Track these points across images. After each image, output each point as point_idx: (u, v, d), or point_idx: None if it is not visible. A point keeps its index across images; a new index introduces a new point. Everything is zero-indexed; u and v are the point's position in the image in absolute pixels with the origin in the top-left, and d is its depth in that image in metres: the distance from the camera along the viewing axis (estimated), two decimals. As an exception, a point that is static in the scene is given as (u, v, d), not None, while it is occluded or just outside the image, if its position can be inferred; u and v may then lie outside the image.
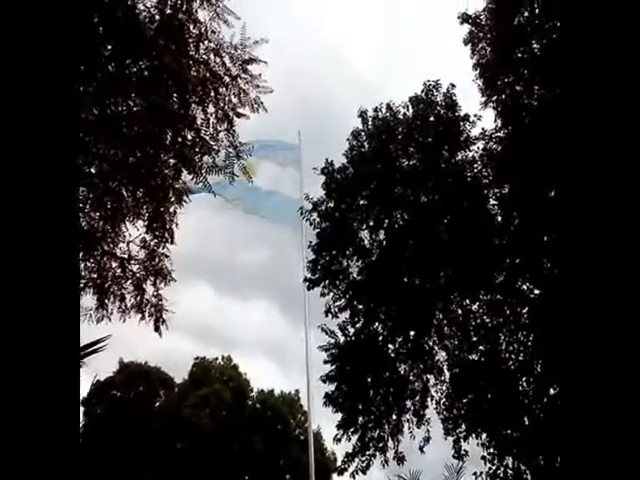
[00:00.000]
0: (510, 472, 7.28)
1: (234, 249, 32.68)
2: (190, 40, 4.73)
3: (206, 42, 4.84)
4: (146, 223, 7.32)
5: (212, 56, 4.93)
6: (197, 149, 5.28)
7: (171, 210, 7.13)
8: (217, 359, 24.73)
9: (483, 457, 7.56)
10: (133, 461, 20.91)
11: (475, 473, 7.47)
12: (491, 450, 7.60)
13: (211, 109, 5.07)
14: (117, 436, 22.01)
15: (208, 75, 4.92)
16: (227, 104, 5.12)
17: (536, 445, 7.17)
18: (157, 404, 25.01)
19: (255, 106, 5.27)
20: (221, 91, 5.04)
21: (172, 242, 7.35)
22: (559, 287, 8.92)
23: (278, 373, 35.01)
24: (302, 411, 22.67)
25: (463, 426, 8.61)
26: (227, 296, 41.07)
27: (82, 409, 24.06)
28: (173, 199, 6.89)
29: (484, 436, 7.82)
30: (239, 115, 5.25)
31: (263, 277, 30.94)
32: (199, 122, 5.10)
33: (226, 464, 20.85)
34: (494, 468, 7.44)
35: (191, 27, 4.66)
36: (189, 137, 5.20)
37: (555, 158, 9.13)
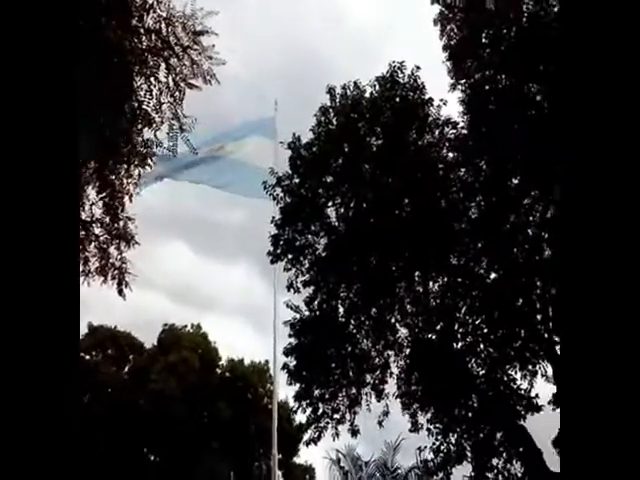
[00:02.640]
0: (452, 448, 7.65)
1: (211, 209, 32.41)
2: (136, 9, 4.63)
3: (157, 11, 4.75)
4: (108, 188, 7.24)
5: (163, 25, 4.85)
6: (139, 122, 5.22)
7: (135, 173, 7.05)
8: (186, 326, 24.91)
9: (428, 430, 7.90)
10: (100, 428, 21.12)
11: (419, 447, 7.81)
12: (438, 425, 7.95)
13: (162, 79, 4.99)
14: (83, 402, 22.18)
15: (159, 44, 4.85)
16: (178, 74, 5.05)
17: (479, 423, 7.52)
18: (126, 369, 25.19)
19: (207, 78, 5.24)
20: (172, 62, 4.97)
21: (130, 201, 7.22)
22: (514, 272, 9.28)
23: (253, 338, 35.46)
24: (271, 381, 23.10)
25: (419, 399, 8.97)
26: (205, 257, 41.01)
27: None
28: (136, 162, 6.79)
29: (432, 412, 8.14)
30: (191, 86, 5.21)
31: (243, 238, 30.78)
32: (142, 94, 5.02)
33: (194, 431, 21.24)
34: (438, 443, 7.81)
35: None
36: (127, 109, 5.12)
37: (516, 145, 9.42)
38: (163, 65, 4.99)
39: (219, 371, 24.26)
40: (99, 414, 21.49)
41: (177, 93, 5.12)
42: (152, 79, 4.99)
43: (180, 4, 4.88)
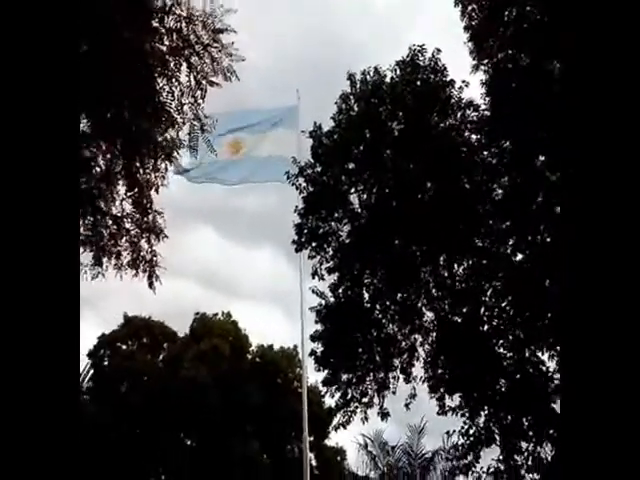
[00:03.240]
0: (481, 431, 7.70)
1: (237, 195, 32.66)
2: (157, 10, 4.74)
3: (178, 11, 4.86)
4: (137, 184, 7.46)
5: (184, 24, 4.96)
6: (162, 122, 5.36)
7: (162, 167, 7.24)
8: (217, 314, 25.39)
9: (456, 412, 7.95)
10: (135, 414, 21.83)
11: (447, 431, 7.89)
12: (466, 409, 8.00)
13: (183, 79, 5.13)
14: (120, 390, 22.95)
15: (181, 44, 4.97)
16: (199, 73, 5.17)
17: (507, 406, 7.55)
18: (160, 357, 25.88)
19: (228, 75, 5.34)
20: (193, 60, 5.09)
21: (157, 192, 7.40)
22: (541, 252, 9.19)
23: (283, 322, 35.80)
24: (300, 365, 23.40)
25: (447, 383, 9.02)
26: (233, 242, 41.47)
27: (89, 361, 24.96)
28: (163, 156, 6.97)
29: (460, 395, 8.20)
30: (212, 84, 5.33)
31: (270, 223, 30.98)
32: (164, 95, 5.16)
33: (227, 416, 21.78)
34: (466, 427, 7.86)
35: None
36: (150, 110, 5.27)
37: (541, 124, 9.26)
38: (184, 65, 5.11)
39: (249, 357, 24.73)
40: (136, 401, 22.22)
41: (198, 92, 5.25)
42: (173, 80, 5.11)
43: (199, 3, 4.99)
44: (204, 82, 5.21)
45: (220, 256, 36.54)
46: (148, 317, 25.74)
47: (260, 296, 39.11)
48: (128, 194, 6.55)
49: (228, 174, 14.75)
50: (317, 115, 10.46)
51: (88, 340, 25.14)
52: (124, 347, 25.33)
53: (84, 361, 24.57)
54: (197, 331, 24.65)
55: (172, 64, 5.06)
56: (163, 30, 4.90)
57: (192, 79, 5.15)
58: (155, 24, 4.82)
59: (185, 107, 5.37)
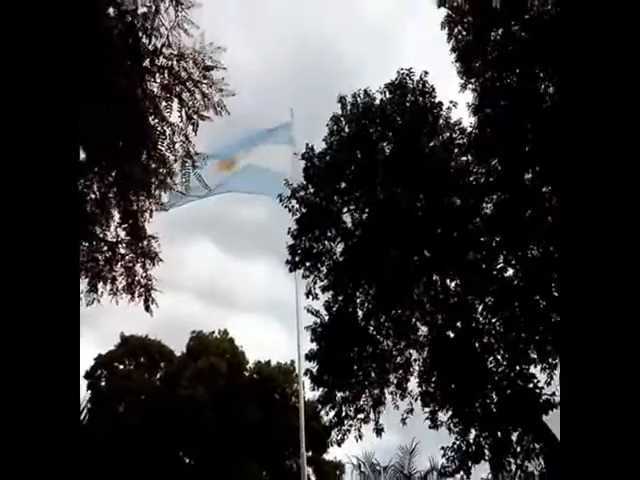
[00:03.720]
0: (472, 447, 7.79)
1: (233, 207, 32.78)
2: (148, 52, 4.92)
3: (169, 49, 5.04)
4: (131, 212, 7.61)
5: (175, 62, 5.14)
6: (154, 161, 5.52)
7: (156, 193, 7.38)
8: (214, 332, 25.42)
9: (449, 428, 8.05)
10: (133, 432, 21.73)
11: (443, 447, 7.98)
12: (457, 424, 8.10)
13: (174, 117, 5.31)
14: (118, 410, 22.87)
15: (172, 81, 5.14)
16: (190, 108, 5.35)
17: (497, 421, 7.65)
18: (158, 375, 25.82)
19: (218, 109, 5.52)
20: (184, 96, 5.26)
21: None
22: (531, 267, 9.34)
23: (280, 334, 35.74)
24: (298, 380, 23.42)
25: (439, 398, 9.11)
26: (230, 255, 41.50)
27: (85, 382, 24.89)
28: (157, 183, 7.12)
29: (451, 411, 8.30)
30: (203, 118, 5.51)
31: (267, 235, 31.08)
32: (157, 134, 5.33)
33: (225, 433, 21.71)
34: (458, 442, 7.96)
35: (152, 38, 4.85)
36: (142, 150, 5.42)
37: (529, 141, 9.48)
38: (175, 102, 5.28)
39: (247, 374, 24.72)
40: (134, 421, 22.12)
41: (190, 128, 5.42)
42: (164, 120, 5.28)
43: (189, 42, 5.16)
44: (195, 117, 5.38)
45: (218, 269, 36.62)
46: (145, 336, 25.73)
47: (258, 308, 39.13)
48: (122, 221, 6.66)
49: (220, 187, 14.79)
50: (311, 124, 10.57)
51: (85, 361, 25.11)
52: (121, 367, 25.27)
53: (82, 383, 24.53)
54: (194, 349, 24.65)
55: (164, 102, 5.22)
56: (154, 69, 5.06)
57: (184, 114, 5.32)
58: (146, 64, 4.98)
59: (177, 145, 5.52)
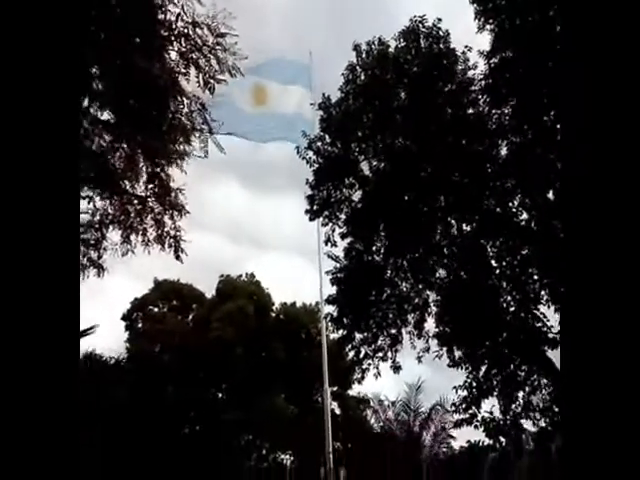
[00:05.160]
0: (482, 383, 8.29)
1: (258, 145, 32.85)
2: (163, 24, 5.11)
3: (185, 18, 5.23)
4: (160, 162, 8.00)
5: (190, 30, 5.34)
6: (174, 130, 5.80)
7: (180, 148, 7.76)
8: (241, 276, 26.34)
9: (456, 364, 8.54)
10: (168, 370, 23.16)
11: (455, 386, 8.52)
12: (469, 362, 8.60)
13: (192, 81, 5.54)
14: (154, 350, 24.28)
15: (189, 47, 5.36)
16: (207, 73, 5.58)
17: (506, 358, 8.10)
18: (190, 317, 27.13)
19: (233, 72, 5.74)
20: (200, 62, 5.48)
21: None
22: (546, 211, 9.49)
23: (307, 270, 36.40)
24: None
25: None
26: (257, 193, 41.71)
27: (123, 324, 26.35)
28: (181, 139, 7.49)
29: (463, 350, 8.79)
30: (218, 81, 5.73)
31: (290, 171, 31.32)
32: (176, 104, 5.60)
33: (255, 370, 22.98)
34: (470, 380, 8.48)
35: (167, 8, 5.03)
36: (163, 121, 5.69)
37: (550, 82, 9.36)
38: (192, 69, 5.51)
39: (273, 315, 25.77)
40: (168, 360, 23.54)
41: (207, 92, 5.66)
42: (182, 94, 5.51)
43: (202, 10, 5.32)
44: (212, 81, 5.61)
45: (243, 207, 37.04)
46: (177, 280, 26.83)
47: (285, 247, 39.75)
48: (150, 177, 7.07)
49: (253, 128, 14.90)
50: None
51: (123, 304, 26.46)
52: (155, 310, 26.58)
53: (120, 324, 25.94)
54: (223, 292, 25.68)
55: (182, 68, 5.45)
56: (172, 37, 5.27)
57: (201, 79, 5.55)
58: (164, 32, 5.19)
59: (194, 114, 5.78)
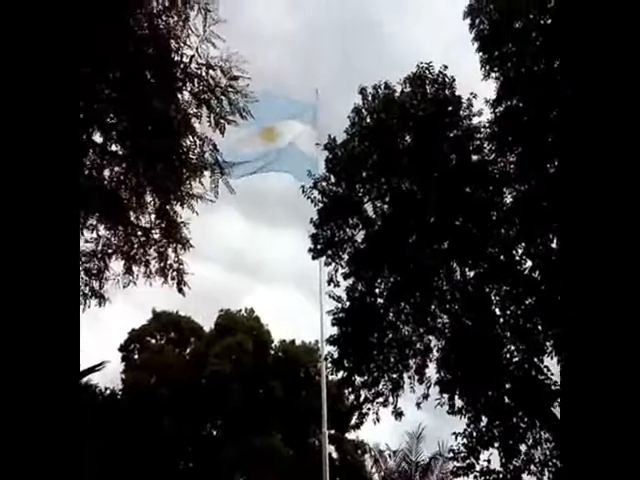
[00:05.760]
0: (483, 433, 8.07)
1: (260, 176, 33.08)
2: (177, 66, 5.24)
3: (198, 59, 5.36)
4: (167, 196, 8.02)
5: (204, 70, 5.46)
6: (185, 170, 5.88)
7: (191, 189, 7.79)
8: (240, 311, 26.12)
9: (457, 412, 8.32)
10: (163, 404, 22.73)
11: (454, 433, 8.31)
12: (470, 411, 8.39)
13: (203, 121, 5.64)
14: (149, 382, 23.88)
15: (202, 87, 5.47)
16: (218, 114, 5.68)
17: (508, 409, 7.91)
18: (187, 350, 26.77)
19: (244, 114, 5.83)
20: (212, 103, 5.59)
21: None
22: (554, 262, 9.43)
23: (307, 305, 36.11)
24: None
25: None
26: (257, 225, 41.60)
27: (120, 354, 26.02)
28: (188, 174, 7.53)
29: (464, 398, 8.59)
30: (229, 122, 5.83)
31: (294, 205, 31.24)
32: (187, 142, 5.69)
33: (251, 409, 22.51)
34: (470, 429, 8.26)
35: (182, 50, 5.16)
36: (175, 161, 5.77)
37: (555, 130, 9.46)
38: (204, 108, 5.61)
39: (272, 352, 25.42)
40: (164, 393, 23.10)
41: (217, 132, 5.74)
42: (194, 134, 5.60)
43: (216, 52, 5.45)
44: (222, 121, 5.71)
45: (245, 239, 37.02)
46: (176, 312, 26.61)
47: (285, 280, 39.41)
48: (156, 212, 7.09)
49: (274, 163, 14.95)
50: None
51: (120, 334, 26.21)
52: (153, 341, 26.29)
53: (116, 355, 25.64)
54: (221, 326, 25.43)
55: (194, 108, 5.55)
56: (185, 78, 5.38)
57: (212, 120, 5.64)
58: (178, 73, 5.30)
59: (206, 155, 5.86)
